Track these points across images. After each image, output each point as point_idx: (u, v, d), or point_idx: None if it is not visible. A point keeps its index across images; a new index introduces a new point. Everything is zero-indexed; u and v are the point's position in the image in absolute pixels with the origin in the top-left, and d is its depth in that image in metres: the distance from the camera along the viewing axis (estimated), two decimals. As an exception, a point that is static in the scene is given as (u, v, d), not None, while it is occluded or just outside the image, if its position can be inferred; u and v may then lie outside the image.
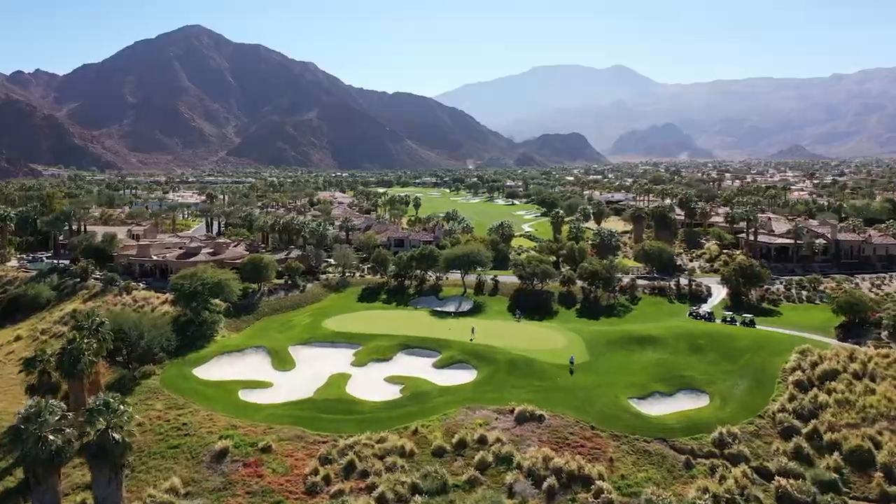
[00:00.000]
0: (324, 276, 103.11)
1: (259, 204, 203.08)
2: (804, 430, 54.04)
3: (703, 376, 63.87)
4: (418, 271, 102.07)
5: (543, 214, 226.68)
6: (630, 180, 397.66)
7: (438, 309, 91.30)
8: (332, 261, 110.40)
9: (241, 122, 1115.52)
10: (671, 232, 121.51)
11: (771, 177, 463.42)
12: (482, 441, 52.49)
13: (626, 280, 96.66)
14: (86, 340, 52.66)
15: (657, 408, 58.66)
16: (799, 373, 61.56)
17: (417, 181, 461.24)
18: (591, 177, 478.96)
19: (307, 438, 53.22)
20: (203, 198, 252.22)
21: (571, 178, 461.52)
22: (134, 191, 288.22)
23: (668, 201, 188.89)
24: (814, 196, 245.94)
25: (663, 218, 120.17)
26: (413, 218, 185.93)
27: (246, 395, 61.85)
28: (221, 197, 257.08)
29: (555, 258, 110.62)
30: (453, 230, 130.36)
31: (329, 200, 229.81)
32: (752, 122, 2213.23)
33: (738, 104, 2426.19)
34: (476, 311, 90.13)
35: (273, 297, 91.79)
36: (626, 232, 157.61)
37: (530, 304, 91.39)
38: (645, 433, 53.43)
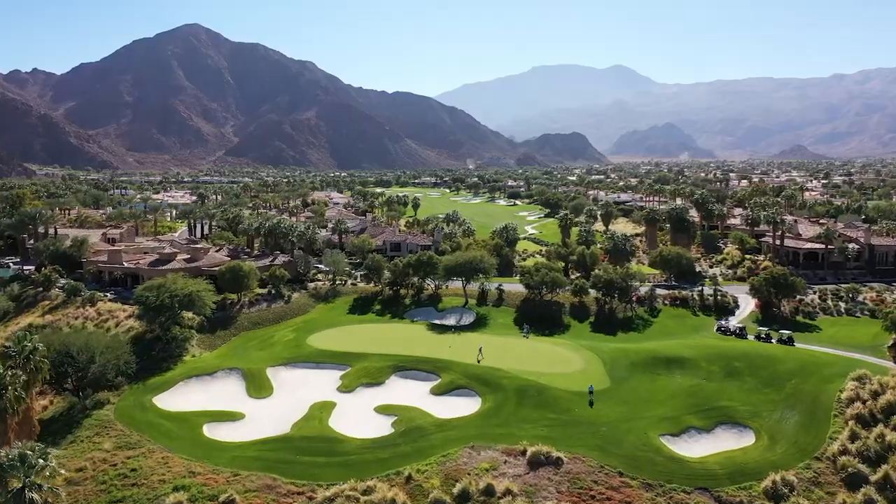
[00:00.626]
0: (312, 285, 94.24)
1: (250, 204, 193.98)
2: (873, 478, 45.14)
3: (744, 407, 54.98)
4: (416, 279, 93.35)
5: (547, 215, 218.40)
6: (634, 180, 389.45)
7: (437, 322, 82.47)
8: (322, 267, 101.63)
9: (239, 121, 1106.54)
10: (689, 236, 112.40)
11: (777, 177, 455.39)
12: (489, 492, 43.65)
13: (643, 289, 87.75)
14: (11, 372, 43.79)
15: (695, 447, 49.78)
16: (858, 404, 52.68)
17: (417, 181, 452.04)
18: (593, 177, 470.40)
19: (279, 489, 44.30)
20: (194, 198, 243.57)
21: (574, 178, 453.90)
22: (123, 190, 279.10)
23: (678, 202, 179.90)
24: (827, 197, 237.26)
25: (680, 220, 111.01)
26: (411, 219, 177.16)
27: (212, 431, 52.93)
28: (214, 197, 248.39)
29: (563, 264, 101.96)
30: (454, 233, 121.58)
31: (324, 201, 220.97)
32: (753, 122, 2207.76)
33: (739, 104, 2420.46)
34: (479, 324, 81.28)
35: (254, 309, 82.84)
36: (637, 235, 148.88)
37: (539, 317, 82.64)
38: (683, 481, 44.60)
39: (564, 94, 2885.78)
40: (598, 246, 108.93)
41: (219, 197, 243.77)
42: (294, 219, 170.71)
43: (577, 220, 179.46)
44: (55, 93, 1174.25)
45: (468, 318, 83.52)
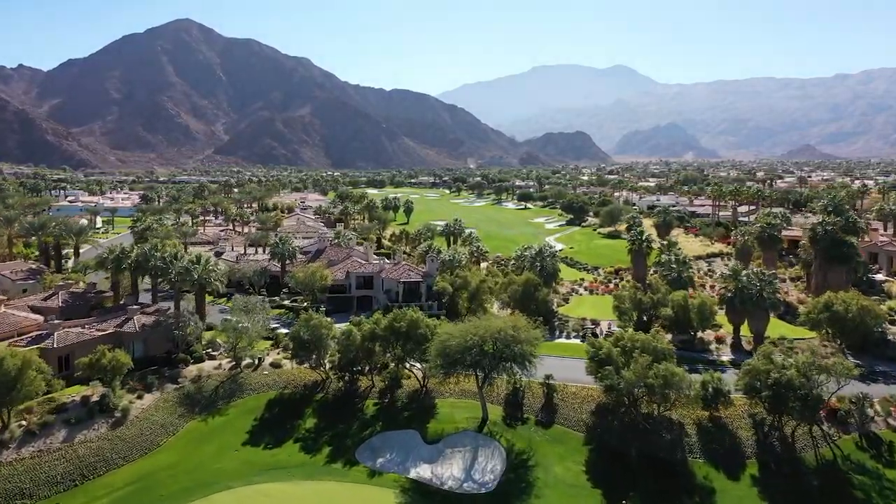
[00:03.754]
0: (194, 369, 50.45)
1: (187, 209, 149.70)
2: None
3: None
4: (388, 358, 49.91)
5: (570, 222, 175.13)
6: (656, 180, 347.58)
7: (425, 476, 38.72)
8: (233, 320, 57.24)
9: (231, 118, 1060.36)
10: (851, 269, 67.77)
11: (808, 176, 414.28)
12: None
13: (837, 390, 43.63)
14: None
15: None
16: None
17: (413, 181, 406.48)
18: (608, 176, 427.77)
19: None
20: (138, 201, 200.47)
21: (585, 178, 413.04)
22: (56, 192, 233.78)
23: (742, 208, 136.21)
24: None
25: (837, 243, 65.90)
26: (401, 230, 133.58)
27: None
28: (164, 200, 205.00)
29: (636, 315, 59.03)
30: (456, 260, 77.79)
31: (290, 205, 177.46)
32: (757, 122, 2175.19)
33: (741, 104, 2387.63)
34: (516, 487, 37.42)
35: (32, 449, 38.77)
36: (714, 256, 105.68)
37: (637, 457, 39.08)
38: None
39: (565, 94, 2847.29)
40: (711, 289, 64.84)
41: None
42: (241, 230, 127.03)
43: (606, 229, 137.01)
44: (41, 90, 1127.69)
45: (490, 466, 39.73)
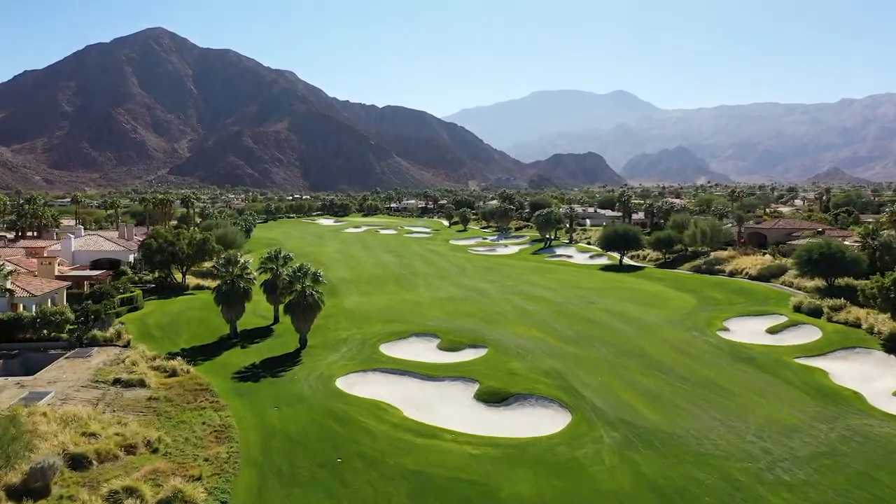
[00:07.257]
0: None
1: None
2: None
3: None
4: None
5: None
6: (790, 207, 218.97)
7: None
8: None
9: (199, 134, 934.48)
10: None
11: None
12: None
13: None
14: None
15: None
16: None
17: (394, 206, 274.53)
18: (674, 200, 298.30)
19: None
20: None
21: (640, 201, 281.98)
22: None
23: None
24: None
25: None
26: None
27: None
28: None
29: None
30: None
31: None
32: (766, 146, 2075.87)
33: (747, 129, 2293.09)
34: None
35: None
36: None
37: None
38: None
39: (565, 119, 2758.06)
40: None
41: None
42: None
43: None
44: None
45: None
